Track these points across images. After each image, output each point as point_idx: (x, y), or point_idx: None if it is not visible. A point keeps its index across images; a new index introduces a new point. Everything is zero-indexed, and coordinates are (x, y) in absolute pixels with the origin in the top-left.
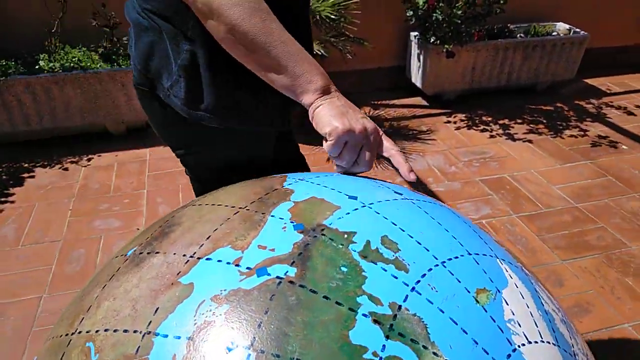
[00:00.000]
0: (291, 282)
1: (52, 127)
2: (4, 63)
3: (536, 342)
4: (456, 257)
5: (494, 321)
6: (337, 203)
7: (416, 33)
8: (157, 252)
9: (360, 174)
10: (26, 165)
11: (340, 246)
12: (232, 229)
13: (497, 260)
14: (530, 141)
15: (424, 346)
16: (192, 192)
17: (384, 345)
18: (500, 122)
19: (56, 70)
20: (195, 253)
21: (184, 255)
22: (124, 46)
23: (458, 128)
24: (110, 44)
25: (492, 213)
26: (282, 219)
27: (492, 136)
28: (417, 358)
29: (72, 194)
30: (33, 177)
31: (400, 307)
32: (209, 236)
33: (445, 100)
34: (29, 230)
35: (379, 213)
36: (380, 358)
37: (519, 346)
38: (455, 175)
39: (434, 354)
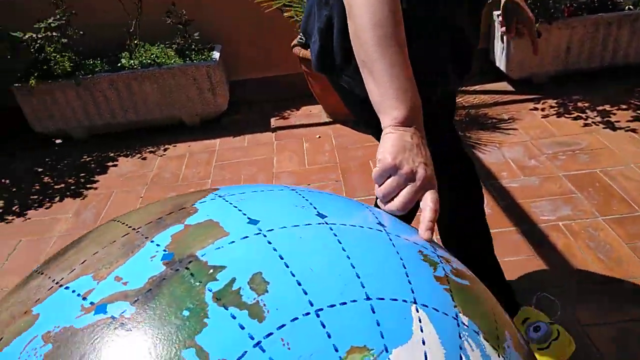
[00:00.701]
0: (122, 324)
1: (135, 120)
2: (92, 62)
3: None
4: (343, 303)
5: None
6: (228, 228)
7: (499, 12)
8: (41, 273)
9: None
10: (112, 154)
11: (198, 284)
12: (107, 254)
13: (413, 306)
14: (634, 130)
15: None
16: (252, 182)
17: None
18: (600, 108)
19: (135, 67)
20: (62, 279)
21: (54, 280)
22: (195, 42)
23: (546, 116)
24: (182, 40)
25: (572, 214)
26: (159, 245)
27: (586, 124)
28: None
29: (146, 182)
30: (116, 165)
31: None
32: (84, 260)
33: (535, 84)
34: (105, 215)
35: (270, 243)
36: None
37: None
38: (535, 169)
39: None
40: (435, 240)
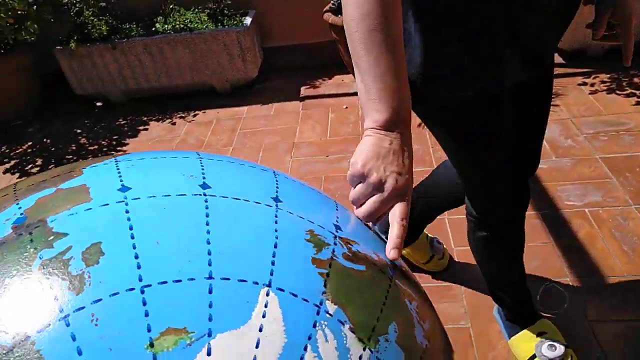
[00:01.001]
0: None
1: (168, 85)
2: (128, 26)
3: None
4: (177, 281)
5: None
6: (94, 195)
7: None
8: None
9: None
10: (145, 118)
11: (32, 250)
12: None
13: (264, 290)
14: None
15: None
16: (272, 152)
17: None
18: None
19: (168, 32)
20: None
21: None
22: (228, 7)
23: (594, 92)
24: (215, 4)
25: (601, 201)
26: (20, 208)
27: (638, 103)
28: None
29: (172, 147)
30: (147, 129)
31: (28, 337)
32: None
33: (589, 57)
34: None
35: (128, 212)
36: None
37: None
38: (569, 150)
39: None
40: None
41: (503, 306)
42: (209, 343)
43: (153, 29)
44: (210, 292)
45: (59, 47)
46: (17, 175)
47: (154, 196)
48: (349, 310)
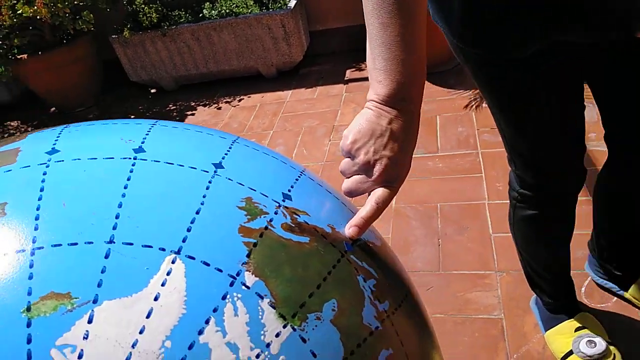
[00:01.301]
0: None
1: (216, 71)
2: (177, 13)
3: None
4: (73, 244)
5: (29, 343)
6: (22, 157)
7: None
8: None
9: None
10: (193, 104)
11: None
12: None
13: (170, 257)
14: None
15: None
16: (310, 135)
17: None
18: None
19: (214, 17)
20: None
21: None
22: None
23: None
24: None
25: None
26: None
27: None
28: None
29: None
30: (194, 114)
31: None
32: None
33: None
34: None
35: (45, 174)
36: None
37: None
38: None
39: None
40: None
41: (542, 296)
42: (92, 310)
43: (200, 15)
44: (106, 257)
45: (114, 36)
46: None
47: (78, 159)
48: (272, 283)
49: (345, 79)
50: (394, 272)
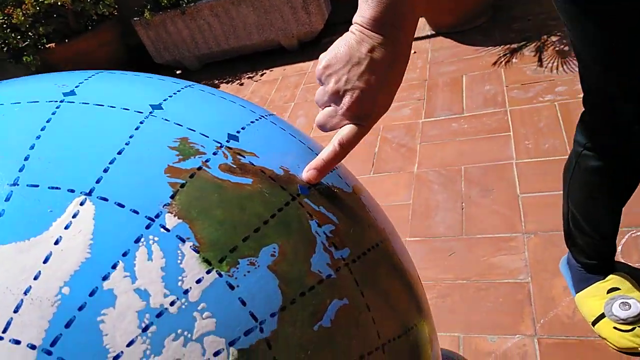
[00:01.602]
0: None
1: (238, 46)
2: None
3: None
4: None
5: None
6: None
7: None
8: None
9: None
10: (216, 82)
11: None
12: None
13: (79, 198)
14: None
15: None
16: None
17: None
18: None
19: None
20: None
21: None
22: None
23: None
24: None
25: None
26: None
27: None
28: None
29: None
30: None
31: None
32: None
33: None
34: None
35: None
36: None
37: None
38: None
39: None
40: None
41: (579, 256)
42: None
43: None
44: (7, 199)
45: (136, 18)
46: None
47: (1, 104)
48: (198, 226)
49: None
50: (364, 219)
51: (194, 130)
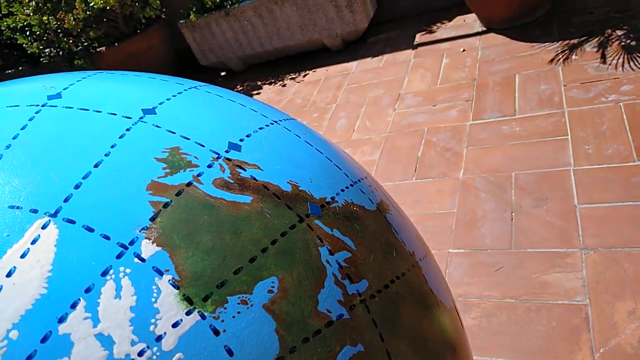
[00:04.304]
0: None
1: (281, 47)
2: None
3: None
4: None
5: None
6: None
7: None
8: None
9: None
10: (259, 83)
11: None
12: None
13: (41, 221)
14: None
15: None
16: (374, 106)
17: None
18: None
19: None
20: None
21: None
22: None
23: None
24: None
25: None
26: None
27: None
28: None
29: (280, 108)
30: (259, 93)
31: None
32: None
33: None
34: None
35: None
36: None
37: None
38: None
39: None
40: None
41: None
42: None
43: None
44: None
45: (182, 21)
46: None
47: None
48: (181, 255)
49: (415, 43)
50: (389, 243)
51: (189, 139)
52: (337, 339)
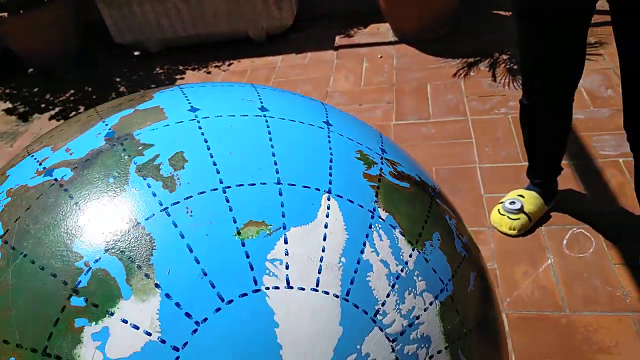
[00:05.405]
0: (61, 185)
1: (205, 34)
2: None
3: (302, 288)
4: (252, 184)
5: (248, 257)
6: (169, 114)
7: None
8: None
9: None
10: (181, 68)
11: (127, 157)
12: (67, 130)
13: (325, 195)
14: None
15: (138, 266)
16: None
17: (99, 258)
18: None
19: None
20: (32, 149)
21: (27, 150)
22: None
23: None
24: None
25: None
26: (107, 125)
27: None
28: (125, 275)
29: None
30: (183, 79)
31: (138, 223)
32: (52, 136)
33: None
34: None
35: (200, 128)
36: (90, 268)
37: (267, 288)
38: (608, 101)
39: (146, 275)
40: None
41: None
42: (285, 234)
43: None
44: (280, 194)
45: None
46: (62, 121)
47: (220, 116)
48: (397, 218)
49: (335, 45)
50: (459, 215)
51: (361, 145)
52: (468, 268)
